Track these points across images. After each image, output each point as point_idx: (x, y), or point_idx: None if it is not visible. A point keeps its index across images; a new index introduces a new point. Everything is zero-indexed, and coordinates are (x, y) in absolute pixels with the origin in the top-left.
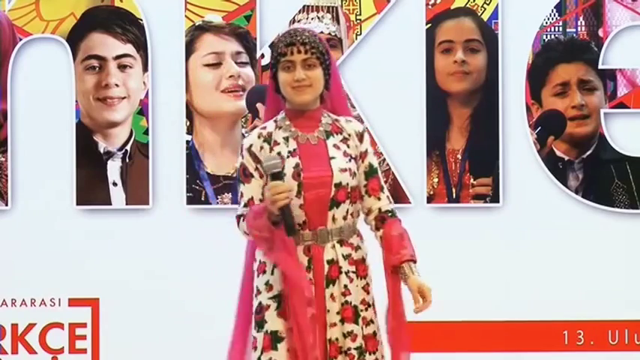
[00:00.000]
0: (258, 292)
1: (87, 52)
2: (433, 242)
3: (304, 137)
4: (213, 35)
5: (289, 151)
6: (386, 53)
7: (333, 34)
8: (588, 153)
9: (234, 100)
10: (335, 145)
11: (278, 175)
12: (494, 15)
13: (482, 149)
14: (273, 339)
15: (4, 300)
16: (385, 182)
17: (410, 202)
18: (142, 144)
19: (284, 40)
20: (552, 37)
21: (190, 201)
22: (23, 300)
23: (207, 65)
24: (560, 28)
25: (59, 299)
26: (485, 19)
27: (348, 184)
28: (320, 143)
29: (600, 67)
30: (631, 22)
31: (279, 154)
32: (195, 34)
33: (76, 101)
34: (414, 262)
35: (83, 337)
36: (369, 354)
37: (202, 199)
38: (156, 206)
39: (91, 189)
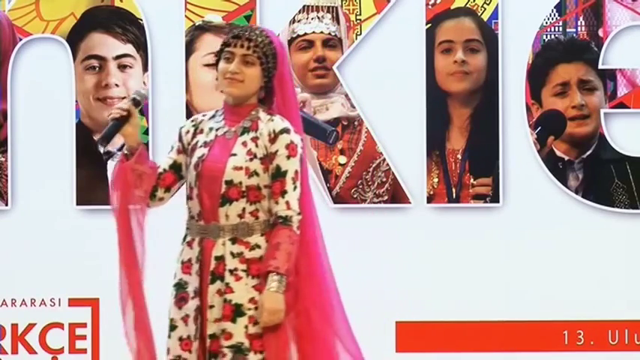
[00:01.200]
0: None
1: (87, 52)
2: (433, 242)
3: (223, 130)
4: (213, 35)
5: (205, 141)
6: (386, 53)
7: (333, 34)
8: (588, 153)
9: None
10: (243, 143)
11: (136, 102)
12: (494, 15)
13: (482, 149)
14: (169, 327)
15: (4, 300)
16: (385, 182)
17: (410, 202)
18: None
19: (233, 32)
20: (552, 37)
21: None
22: (23, 300)
23: (208, 65)
24: (560, 28)
25: (59, 299)
26: (485, 19)
27: (241, 182)
28: (233, 138)
29: (600, 67)
30: (631, 22)
31: (197, 142)
32: (195, 34)
33: (76, 101)
34: (279, 274)
35: (83, 337)
36: (255, 353)
37: None
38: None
39: (91, 189)
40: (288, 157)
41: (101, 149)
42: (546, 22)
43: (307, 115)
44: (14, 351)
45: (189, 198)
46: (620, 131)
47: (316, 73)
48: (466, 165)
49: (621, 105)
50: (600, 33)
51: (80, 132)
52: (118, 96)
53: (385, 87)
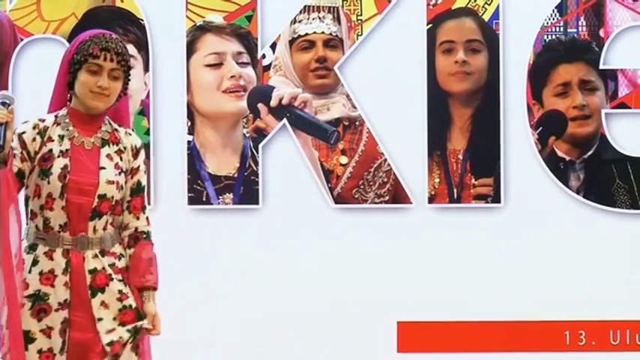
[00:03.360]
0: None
1: None
2: (434, 242)
3: (80, 140)
4: (215, 35)
5: (61, 151)
6: (387, 53)
7: (334, 34)
8: (589, 153)
9: (236, 100)
10: (108, 156)
11: (7, 105)
12: (495, 15)
13: (483, 149)
14: (25, 339)
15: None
16: (386, 182)
17: (411, 203)
18: (144, 144)
19: (99, 42)
20: (553, 37)
21: (192, 201)
22: None
23: (209, 65)
24: (562, 29)
25: None
26: (486, 20)
27: (113, 197)
28: (94, 150)
29: (601, 67)
30: (632, 22)
31: (50, 151)
32: (196, 34)
33: None
34: (155, 289)
35: None
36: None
37: (204, 199)
38: (157, 206)
39: None
40: (145, 172)
41: None
42: (547, 23)
43: (308, 115)
44: None
45: (48, 209)
46: (621, 131)
47: (317, 74)
48: (467, 165)
49: (622, 105)
50: (601, 33)
51: None
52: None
53: (386, 87)
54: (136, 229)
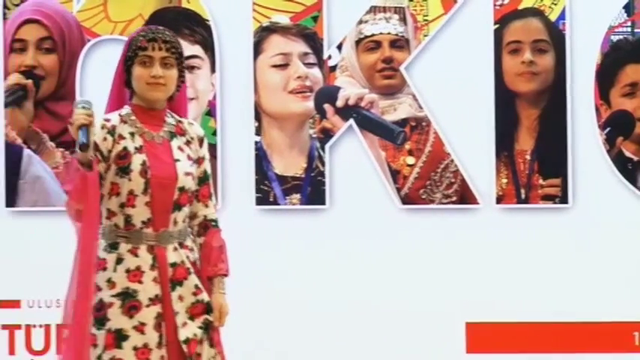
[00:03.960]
0: (99, 289)
1: None
2: (502, 243)
3: (150, 135)
4: (281, 36)
5: (136, 147)
6: (453, 54)
7: (400, 34)
8: None
9: (302, 100)
10: (179, 148)
11: (87, 109)
12: (562, 15)
13: (550, 150)
14: (117, 337)
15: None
16: (454, 183)
17: (479, 203)
18: (211, 145)
19: (145, 35)
20: (621, 37)
21: (259, 202)
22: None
23: (275, 66)
24: (629, 28)
25: None
26: (552, 20)
27: (190, 188)
28: (164, 143)
29: None
30: None
31: (125, 148)
32: (262, 35)
33: None
34: (226, 276)
35: None
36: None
37: (271, 199)
38: (225, 207)
39: None
40: (209, 160)
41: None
42: (615, 23)
43: (375, 115)
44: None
45: (129, 206)
46: None
47: (384, 74)
48: (535, 166)
49: None
50: None
51: None
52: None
53: (453, 87)
54: (205, 217)
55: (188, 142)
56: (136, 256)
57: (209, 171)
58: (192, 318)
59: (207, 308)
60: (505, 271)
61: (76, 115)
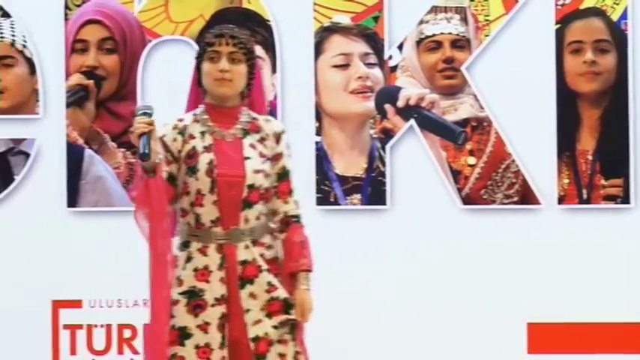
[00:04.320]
0: (171, 286)
1: None
2: (564, 243)
3: (220, 134)
4: (342, 36)
5: (204, 147)
6: (515, 54)
7: (461, 34)
8: None
9: (363, 101)
10: (251, 145)
11: (149, 115)
12: (624, 15)
13: (612, 150)
14: (181, 335)
15: (135, 300)
16: (515, 183)
17: (540, 204)
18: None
19: (213, 31)
20: None
21: (320, 202)
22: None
23: (336, 66)
24: None
25: None
26: (614, 20)
27: (261, 185)
28: (236, 141)
29: None
30: None
31: (193, 148)
32: (323, 35)
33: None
34: (309, 272)
35: None
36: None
37: (332, 199)
38: None
39: None
40: (289, 156)
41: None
42: None
43: (436, 115)
44: None
45: (198, 205)
46: None
47: (445, 74)
48: (597, 166)
49: None
50: None
51: None
52: None
53: (514, 87)
54: (286, 213)
55: (262, 140)
56: (205, 255)
57: (289, 167)
58: (269, 316)
59: (287, 305)
60: (566, 271)
61: (137, 123)
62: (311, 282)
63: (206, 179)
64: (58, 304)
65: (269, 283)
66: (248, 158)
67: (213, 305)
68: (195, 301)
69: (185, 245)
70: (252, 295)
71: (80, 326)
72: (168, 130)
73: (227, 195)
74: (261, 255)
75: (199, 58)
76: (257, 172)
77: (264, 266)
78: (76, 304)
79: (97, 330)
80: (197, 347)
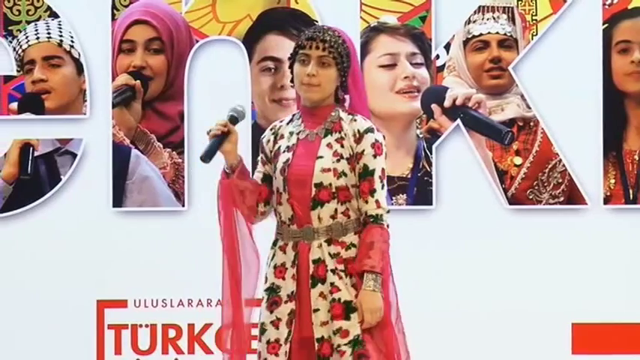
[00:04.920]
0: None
1: (262, 54)
2: (610, 243)
3: (304, 133)
4: (388, 36)
5: (287, 146)
6: (562, 53)
7: (508, 34)
8: None
9: (409, 101)
10: (328, 144)
11: (233, 119)
12: None
13: None
14: (260, 330)
15: (180, 300)
16: (561, 183)
17: (587, 204)
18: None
19: (307, 33)
20: None
21: None
22: (200, 300)
23: (382, 66)
24: None
25: None
26: None
27: (331, 184)
28: (316, 140)
29: None
30: None
31: (279, 148)
32: (370, 35)
33: (252, 102)
34: (375, 273)
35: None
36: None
37: None
38: None
39: None
40: (375, 155)
41: None
42: None
43: (482, 115)
44: (190, 351)
45: (278, 203)
46: None
47: (492, 74)
48: None
49: None
50: None
51: (256, 133)
52: (293, 97)
53: (561, 87)
54: (365, 213)
55: (341, 139)
56: (284, 252)
57: (371, 166)
58: (332, 318)
59: (348, 309)
60: (612, 271)
61: (216, 123)
62: (377, 283)
63: (280, 178)
64: (103, 304)
65: (332, 284)
66: (320, 157)
67: (285, 302)
68: (272, 297)
69: (274, 243)
70: (322, 295)
71: (125, 326)
72: (268, 132)
73: (297, 193)
74: (336, 254)
75: (292, 59)
76: (325, 170)
77: (331, 266)
78: (121, 304)
79: (142, 330)
80: (268, 342)
